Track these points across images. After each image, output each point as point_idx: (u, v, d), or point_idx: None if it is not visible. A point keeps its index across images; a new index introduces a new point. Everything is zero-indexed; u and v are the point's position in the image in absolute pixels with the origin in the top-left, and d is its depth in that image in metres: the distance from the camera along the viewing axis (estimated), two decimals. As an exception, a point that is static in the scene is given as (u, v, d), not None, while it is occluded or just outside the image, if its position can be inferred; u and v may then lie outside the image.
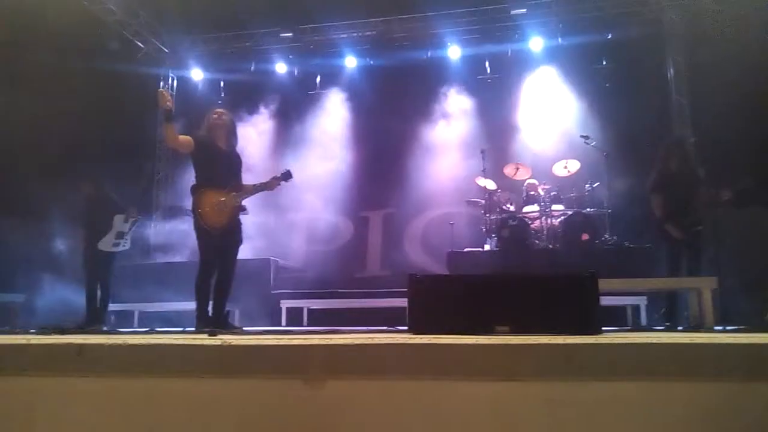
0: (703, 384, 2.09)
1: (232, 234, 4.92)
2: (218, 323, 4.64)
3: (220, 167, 4.88)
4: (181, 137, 4.84)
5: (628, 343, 2.25)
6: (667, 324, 5.57)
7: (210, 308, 4.78)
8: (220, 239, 4.80)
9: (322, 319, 7.67)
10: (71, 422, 2.28)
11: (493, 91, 10.00)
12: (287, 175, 5.07)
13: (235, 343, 2.48)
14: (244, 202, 5.00)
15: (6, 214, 7.91)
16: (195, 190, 4.86)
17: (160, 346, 2.44)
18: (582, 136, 8.09)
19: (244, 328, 5.31)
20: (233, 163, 5.03)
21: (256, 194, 5.03)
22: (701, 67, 8.71)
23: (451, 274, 7.26)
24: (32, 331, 4.82)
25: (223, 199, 4.79)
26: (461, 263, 7.76)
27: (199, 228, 4.77)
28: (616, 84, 9.37)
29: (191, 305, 4.81)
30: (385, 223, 10.15)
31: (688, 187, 5.79)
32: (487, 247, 8.30)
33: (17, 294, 7.23)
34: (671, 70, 9.43)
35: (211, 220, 4.74)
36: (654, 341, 2.26)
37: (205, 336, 3.21)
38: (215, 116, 4.97)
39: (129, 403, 2.28)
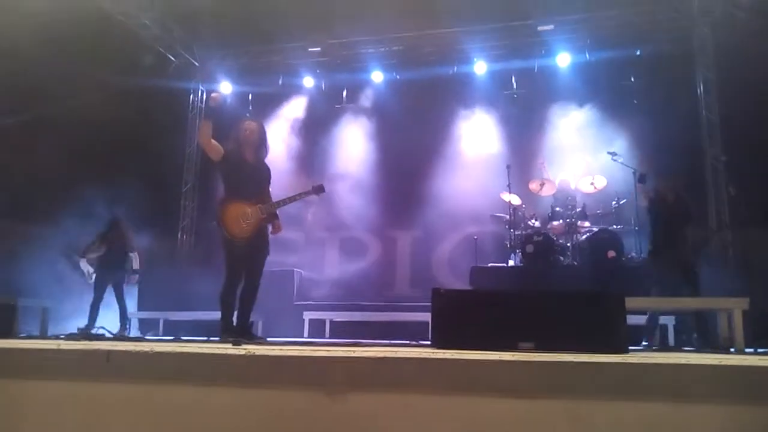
0: (733, 407, 2.04)
1: (258, 245, 4.92)
2: (242, 333, 4.66)
3: (246, 180, 4.88)
4: (214, 142, 4.87)
5: (656, 363, 2.21)
6: (696, 345, 5.45)
7: (234, 318, 4.81)
8: (245, 250, 4.82)
9: (344, 332, 7.68)
10: (99, 427, 2.32)
11: (519, 106, 9.97)
12: (320, 189, 5.07)
13: (258, 353, 2.50)
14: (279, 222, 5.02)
15: (35, 222, 8.11)
16: (221, 201, 4.90)
17: (186, 354, 2.48)
18: (609, 153, 8.01)
19: (267, 339, 5.33)
20: (261, 175, 5.03)
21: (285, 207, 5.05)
22: (732, 83, 8.57)
23: (474, 289, 7.21)
24: (62, 336, 4.92)
25: (248, 210, 4.81)
26: (484, 278, 7.71)
27: (224, 239, 4.81)
28: (645, 100, 9.25)
29: (216, 315, 4.85)
30: (414, 244, 10.12)
31: (679, 225, 5.88)
32: (511, 263, 8.24)
33: (47, 299, 7.37)
34: (701, 87, 9.29)
35: (235, 231, 4.76)
36: (683, 362, 2.22)
37: (229, 346, 3.24)
38: (245, 131, 4.96)
39: (155, 409, 2.31)
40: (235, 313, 4.82)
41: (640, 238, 7.90)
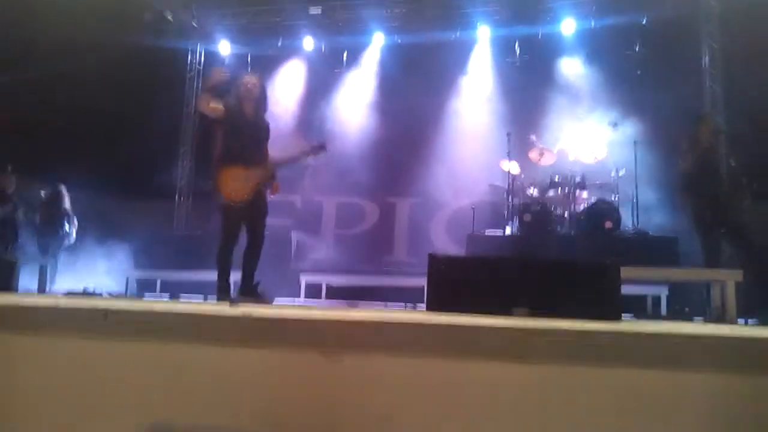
0: (725, 376, 2.07)
1: (257, 205, 4.88)
2: (249, 293, 4.68)
3: (246, 138, 4.81)
4: (212, 105, 4.81)
5: (649, 332, 2.24)
6: (688, 314, 5.51)
7: (235, 279, 4.84)
8: (243, 212, 4.80)
9: (340, 296, 7.74)
10: (96, 385, 2.35)
11: (522, 73, 9.84)
12: (320, 148, 4.98)
13: (255, 314, 2.52)
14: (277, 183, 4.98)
15: (38, 181, 8.08)
16: (218, 161, 4.84)
17: (183, 314, 2.50)
18: (610, 123, 7.95)
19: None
20: (260, 133, 4.95)
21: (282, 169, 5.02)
22: (737, 55, 8.47)
23: (471, 255, 7.24)
24: (60, 294, 4.95)
25: (246, 172, 4.76)
26: (481, 246, 7.74)
27: (220, 200, 4.79)
28: (649, 71, 9.15)
29: (214, 275, 4.87)
30: (412, 211, 10.12)
31: (717, 177, 5.66)
32: (508, 231, 8.26)
33: (48, 257, 7.41)
34: (706, 58, 9.18)
35: (232, 193, 4.73)
36: (675, 331, 2.25)
37: (226, 306, 3.26)
38: (246, 84, 4.90)
39: (152, 367, 2.34)
40: (239, 274, 4.84)
41: (639, 209, 7.92)
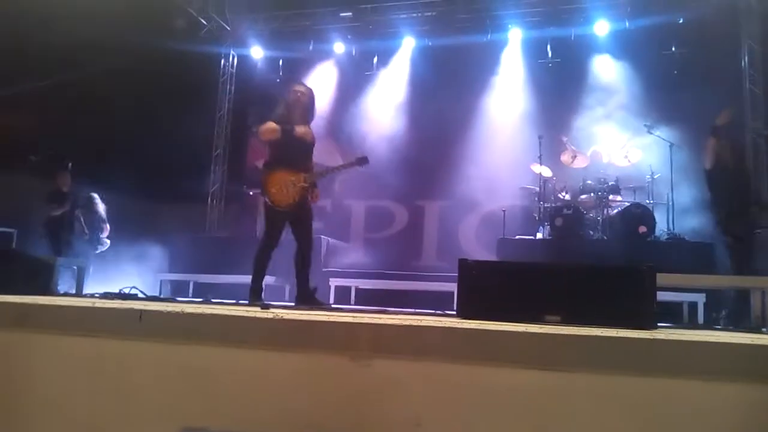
0: (762, 387, 2.00)
1: (302, 210, 4.96)
2: (307, 299, 4.75)
3: (293, 146, 4.90)
4: (270, 128, 4.88)
5: (686, 341, 2.18)
6: (727, 323, 5.36)
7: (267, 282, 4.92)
8: (289, 216, 4.90)
9: (369, 299, 7.75)
10: (130, 384, 2.40)
11: (554, 76, 9.71)
12: (363, 161, 5.11)
13: (286, 317, 2.54)
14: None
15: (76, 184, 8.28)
16: (266, 167, 4.94)
17: (215, 316, 2.53)
18: (645, 125, 7.79)
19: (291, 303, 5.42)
20: (306, 142, 5.04)
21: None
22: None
23: (502, 260, 7.17)
24: (96, 295, 5.06)
25: (293, 178, 4.84)
26: (512, 251, 7.66)
27: (265, 204, 4.88)
28: (686, 71, 8.93)
29: (244, 279, 4.94)
30: (441, 214, 10.09)
31: (744, 182, 5.54)
32: (539, 236, 8.16)
33: (83, 259, 7.58)
34: (746, 58, 8.92)
35: (278, 198, 4.81)
36: (712, 340, 2.19)
37: (258, 309, 3.29)
38: (296, 93, 5.02)
39: (184, 369, 2.38)
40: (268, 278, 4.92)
41: (675, 213, 7.73)
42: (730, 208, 5.60)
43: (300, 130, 4.97)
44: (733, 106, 6.03)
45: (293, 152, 4.89)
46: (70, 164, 7.72)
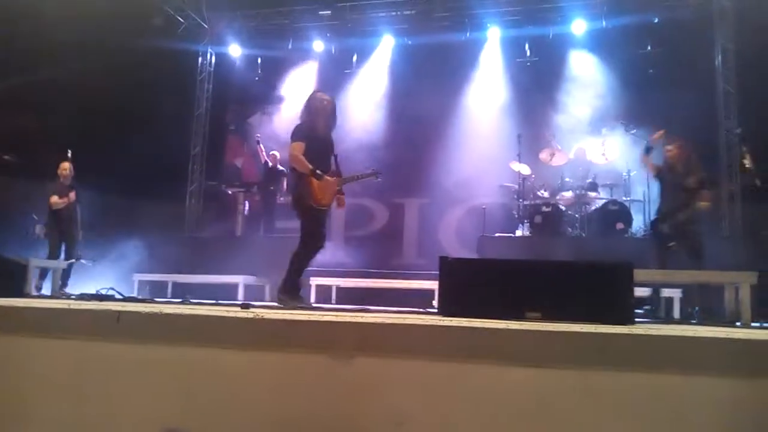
0: (738, 380, 2.04)
1: (327, 213, 5.14)
2: (287, 291, 4.84)
3: (321, 152, 5.00)
4: (298, 147, 4.90)
5: (662, 335, 2.21)
6: (698, 318, 5.46)
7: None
8: (323, 216, 5.04)
9: (350, 298, 7.73)
10: (109, 386, 2.36)
11: (532, 74, 9.79)
12: (378, 173, 5.41)
13: (267, 316, 2.53)
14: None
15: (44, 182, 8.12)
16: (312, 173, 4.93)
17: (195, 316, 2.50)
18: (622, 123, 7.90)
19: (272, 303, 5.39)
20: (329, 148, 5.15)
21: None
22: (751, 55, 8.37)
23: (482, 258, 7.21)
24: (72, 297, 4.98)
25: (332, 180, 4.99)
26: (492, 248, 7.71)
27: (308, 206, 4.90)
28: (661, 70, 9.07)
29: (223, 278, 4.90)
30: (421, 212, 10.11)
31: (672, 190, 5.95)
32: (518, 233, 8.22)
33: (59, 260, 7.43)
34: (719, 58, 9.08)
35: (320, 199, 4.91)
36: (690, 334, 2.23)
37: (239, 309, 3.27)
38: (321, 101, 5.06)
39: (164, 369, 2.35)
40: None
41: (651, 210, 7.84)
42: (660, 211, 6.04)
43: (322, 134, 5.08)
44: (665, 129, 6.45)
45: (322, 157, 5.02)
46: (69, 152, 7.37)
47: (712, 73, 9.08)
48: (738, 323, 4.64)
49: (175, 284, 8.31)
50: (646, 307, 5.81)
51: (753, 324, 4.51)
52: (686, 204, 5.84)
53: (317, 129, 5.00)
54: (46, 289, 6.89)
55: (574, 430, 2.12)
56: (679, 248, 5.82)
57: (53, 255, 7.13)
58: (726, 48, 9.03)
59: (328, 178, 4.97)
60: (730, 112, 8.83)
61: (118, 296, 4.53)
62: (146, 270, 8.34)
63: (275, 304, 5.05)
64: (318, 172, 4.85)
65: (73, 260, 6.99)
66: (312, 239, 5.02)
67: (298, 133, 4.96)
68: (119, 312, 2.42)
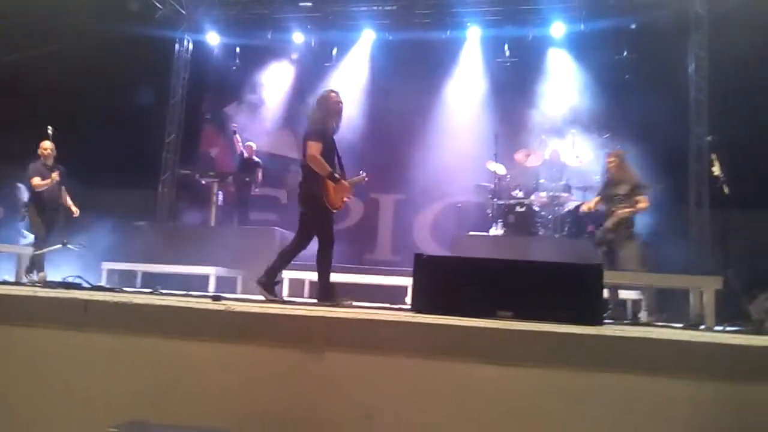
0: (702, 382, 2.09)
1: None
2: (330, 296, 4.81)
3: (332, 153, 5.01)
4: (317, 147, 4.84)
5: (629, 337, 2.26)
6: (667, 320, 5.58)
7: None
8: (333, 218, 5.05)
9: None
10: (77, 375, 2.32)
11: (511, 75, 9.87)
12: (364, 178, 5.62)
13: (237, 309, 2.51)
14: None
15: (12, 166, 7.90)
16: (329, 176, 4.91)
17: (165, 307, 2.47)
18: (596, 127, 8.01)
19: (247, 296, 5.36)
20: (334, 148, 5.13)
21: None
22: (723, 65, 8.56)
23: (456, 256, 7.25)
24: (38, 284, 4.87)
25: (346, 183, 5.06)
26: (465, 247, 7.76)
27: (323, 208, 4.88)
28: (637, 76, 9.22)
29: (195, 269, 4.84)
30: (396, 208, 10.11)
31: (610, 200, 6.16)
32: (492, 232, 8.29)
33: (25, 246, 7.25)
34: (692, 66, 9.27)
35: (334, 202, 4.93)
36: (655, 336, 2.27)
37: (209, 300, 3.23)
38: (335, 102, 5.02)
39: (133, 360, 2.31)
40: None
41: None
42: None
43: (331, 134, 5.06)
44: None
45: (332, 160, 5.03)
46: (50, 129, 6.98)
47: (685, 80, 9.27)
48: (702, 326, 4.76)
49: (146, 274, 8.16)
50: (609, 308, 5.93)
51: (716, 328, 4.62)
52: (611, 212, 6.08)
53: (329, 130, 5.00)
54: (10, 276, 6.72)
55: (542, 427, 2.15)
56: (608, 254, 6.03)
57: (40, 240, 6.85)
58: (699, 56, 9.22)
59: (344, 182, 5.00)
60: (701, 119, 9.02)
61: (85, 285, 4.45)
62: (116, 258, 8.18)
63: (247, 296, 5.03)
64: (336, 175, 4.84)
65: (59, 245, 6.74)
66: (329, 241, 5.05)
67: (315, 133, 4.88)
68: (87, 301, 2.38)
